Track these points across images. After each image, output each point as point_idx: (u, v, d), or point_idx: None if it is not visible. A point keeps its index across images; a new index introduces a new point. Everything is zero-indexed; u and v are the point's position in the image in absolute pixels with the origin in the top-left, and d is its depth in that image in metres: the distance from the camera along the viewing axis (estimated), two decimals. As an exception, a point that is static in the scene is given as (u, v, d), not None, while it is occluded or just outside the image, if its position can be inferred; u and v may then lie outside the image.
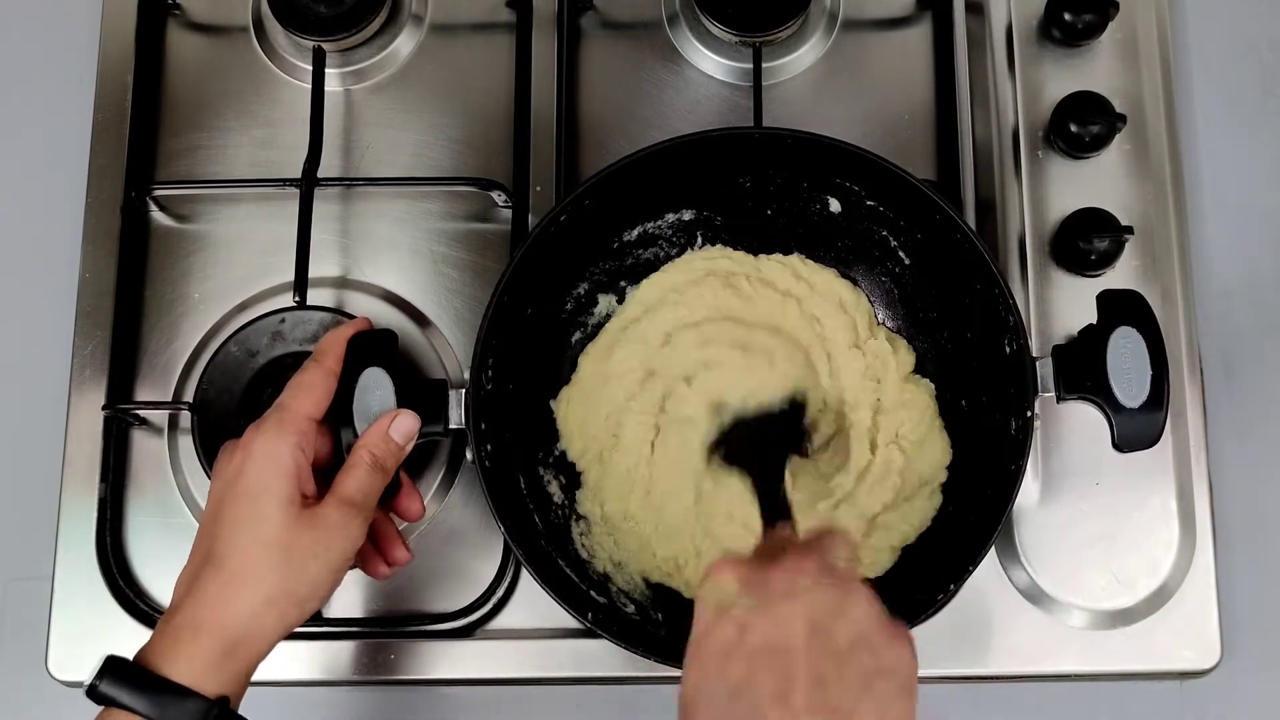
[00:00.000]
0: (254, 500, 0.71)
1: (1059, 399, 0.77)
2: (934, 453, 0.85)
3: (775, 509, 0.74)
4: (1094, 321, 0.77)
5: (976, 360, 0.82)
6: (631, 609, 0.83)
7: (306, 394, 0.75)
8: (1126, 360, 0.75)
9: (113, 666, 0.68)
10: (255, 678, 0.83)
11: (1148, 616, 0.85)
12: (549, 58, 0.95)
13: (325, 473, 0.77)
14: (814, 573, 0.63)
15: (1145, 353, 0.75)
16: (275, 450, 0.72)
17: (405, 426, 0.76)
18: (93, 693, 0.68)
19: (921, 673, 0.85)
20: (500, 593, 0.87)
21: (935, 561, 0.80)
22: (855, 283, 0.88)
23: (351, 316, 0.90)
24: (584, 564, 0.84)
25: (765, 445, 0.82)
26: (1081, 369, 0.76)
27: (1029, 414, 0.76)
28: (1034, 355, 0.77)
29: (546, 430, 0.87)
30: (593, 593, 0.82)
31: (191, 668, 0.68)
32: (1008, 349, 0.78)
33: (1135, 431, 0.75)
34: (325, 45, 0.94)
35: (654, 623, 0.82)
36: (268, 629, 0.71)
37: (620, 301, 0.89)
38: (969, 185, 0.91)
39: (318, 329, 0.89)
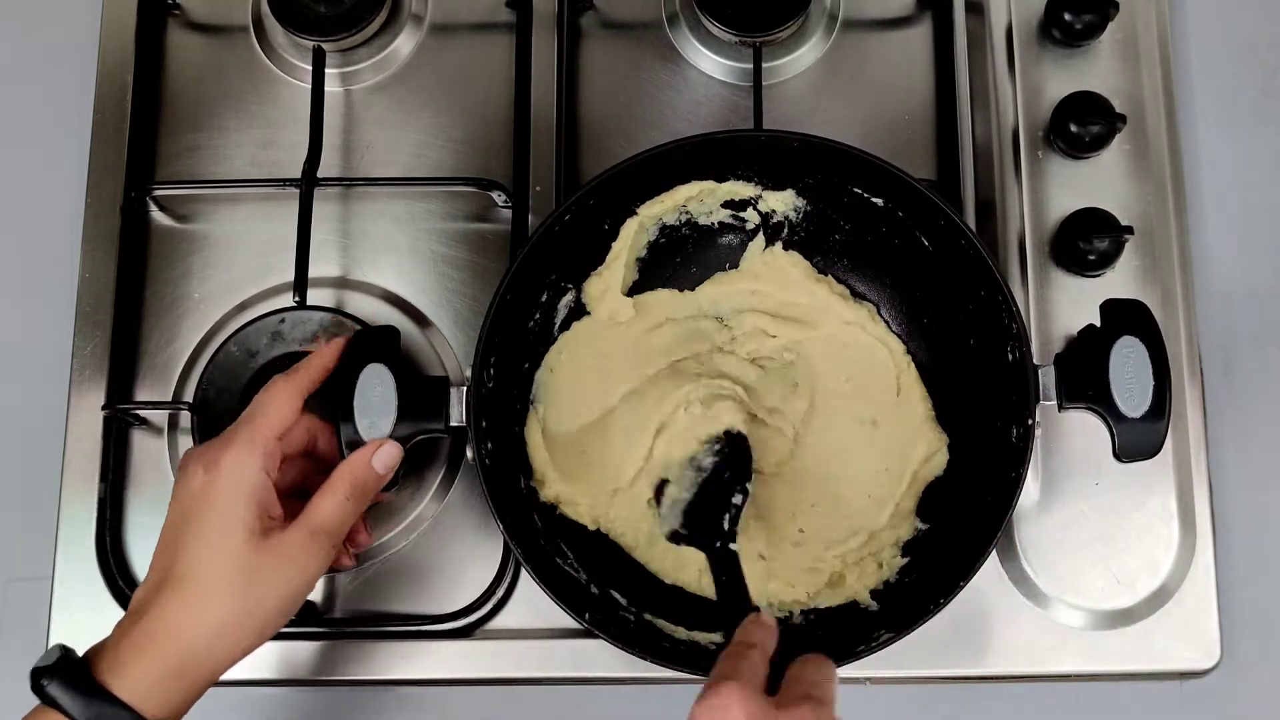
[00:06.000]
0: (218, 521, 0.71)
1: (1060, 408, 0.76)
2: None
3: (738, 603, 0.73)
4: (1094, 322, 0.77)
5: (977, 366, 0.82)
6: (631, 616, 0.82)
7: (276, 411, 0.75)
8: (1129, 370, 0.75)
9: (63, 668, 0.68)
10: (252, 676, 0.84)
11: (1147, 616, 0.85)
12: (549, 58, 0.95)
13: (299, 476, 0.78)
14: (810, 711, 0.62)
15: (1148, 362, 0.75)
16: (243, 470, 0.72)
17: (387, 457, 0.76)
18: (37, 690, 0.68)
19: (922, 673, 0.86)
20: (500, 593, 0.87)
21: (932, 569, 0.80)
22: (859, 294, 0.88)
23: (352, 316, 0.90)
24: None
25: (709, 510, 0.80)
26: (1083, 378, 0.76)
27: (1030, 422, 0.76)
28: (1036, 363, 0.77)
29: None
30: (592, 587, 0.81)
31: (137, 685, 0.68)
32: (1009, 356, 0.78)
33: (1136, 441, 0.75)
34: (325, 45, 0.94)
35: (650, 625, 0.82)
36: (220, 654, 0.71)
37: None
38: (969, 185, 0.91)
39: (317, 329, 0.89)
